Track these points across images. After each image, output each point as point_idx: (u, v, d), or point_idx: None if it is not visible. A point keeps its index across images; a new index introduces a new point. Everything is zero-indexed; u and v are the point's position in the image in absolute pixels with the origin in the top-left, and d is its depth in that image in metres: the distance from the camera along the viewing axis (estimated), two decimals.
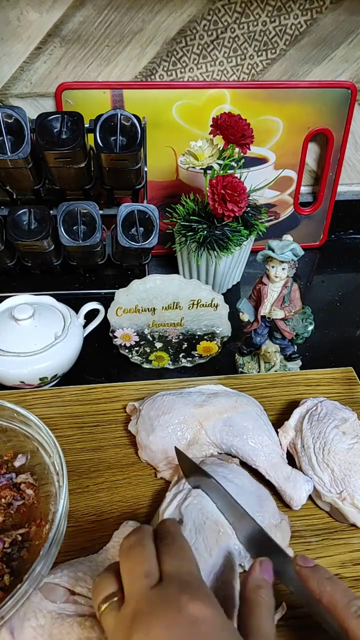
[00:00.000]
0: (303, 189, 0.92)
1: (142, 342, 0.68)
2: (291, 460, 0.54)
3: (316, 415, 0.54)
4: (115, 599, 0.33)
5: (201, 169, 0.71)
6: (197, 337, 0.68)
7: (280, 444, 0.54)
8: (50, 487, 0.47)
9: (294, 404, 0.60)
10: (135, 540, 0.35)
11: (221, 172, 0.71)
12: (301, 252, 0.57)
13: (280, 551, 0.41)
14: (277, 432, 0.55)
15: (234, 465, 0.51)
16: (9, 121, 0.64)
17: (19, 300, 0.68)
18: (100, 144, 0.65)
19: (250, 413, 0.54)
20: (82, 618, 0.37)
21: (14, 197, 0.75)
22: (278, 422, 0.57)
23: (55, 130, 0.65)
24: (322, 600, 0.37)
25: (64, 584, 0.40)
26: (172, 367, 0.71)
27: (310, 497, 0.51)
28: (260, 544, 0.43)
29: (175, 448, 0.49)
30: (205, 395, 0.56)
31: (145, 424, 0.54)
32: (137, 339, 0.67)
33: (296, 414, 0.56)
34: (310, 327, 0.64)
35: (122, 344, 0.68)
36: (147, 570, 0.32)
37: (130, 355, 0.70)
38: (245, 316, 0.64)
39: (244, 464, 0.54)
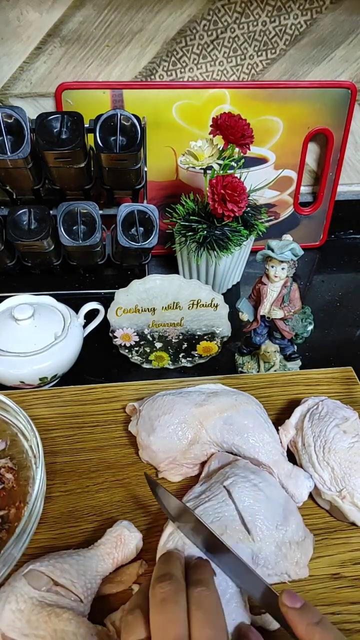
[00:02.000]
0: (303, 189, 0.92)
1: (142, 342, 0.68)
2: (292, 458, 0.54)
3: (317, 413, 0.54)
4: None
5: (201, 169, 0.71)
6: (197, 337, 0.68)
7: (281, 442, 0.55)
8: (29, 471, 0.48)
9: (293, 404, 0.60)
10: (169, 593, 0.34)
11: (221, 172, 0.71)
12: (301, 252, 0.57)
13: (266, 587, 0.39)
14: (277, 431, 0.55)
15: (265, 473, 0.50)
16: (9, 121, 0.64)
17: (19, 300, 0.68)
18: (100, 144, 0.65)
19: (250, 411, 0.54)
20: (61, 610, 0.38)
21: (14, 197, 0.75)
22: (277, 422, 0.57)
23: (55, 130, 0.66)
24: None
25: (49, 573, 0.40)
26: (172, 367, 0.71)
27: (310, 496, 0.52)
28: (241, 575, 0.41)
29: (151, 483, 0.45)
30: (205, 394, 0.57)
31: (145, 425, 0.54)
32: (137, 339, 0.67)
33: (297, 412, 0.56)
34: (310, 327, 0.64)
35: (122, 344, 0.68)
36: (179, 635, 0.33)
37: (130, 355, 0.70)
38: (245, 316, 0.64)
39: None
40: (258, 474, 0.49)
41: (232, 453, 0.54)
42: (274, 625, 0.41)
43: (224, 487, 0.47)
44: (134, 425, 0.56)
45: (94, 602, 0.42)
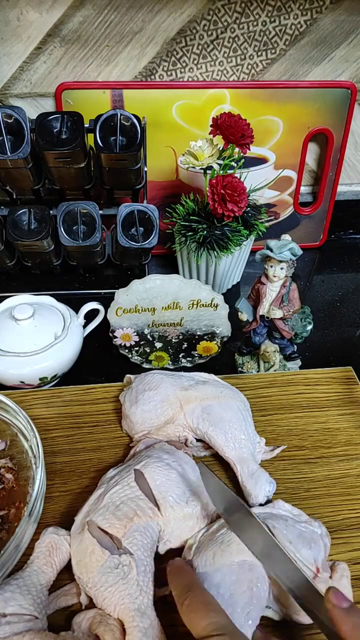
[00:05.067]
0: (303, 189, 0.93)
1: (142, 342, 0.68)
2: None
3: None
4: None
5: (201, 169, 0.71)
6: (197, 337, 0.68)
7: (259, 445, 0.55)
8: (29, 471, 0.49)
9: (293, 404, 0.60)
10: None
11: (221, 172, 0.71)
12: (299, 252, 0.57)
13: (312, 588, 0.39)
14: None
15: (180, 452, 0.52)
16: (9, 121, 0.64)
17: (19, 300, 0.68)
18: (100, 144, 0.66)
19: (231, 405, 0.55)
20: (19, 636, 0.37)
21: (14, 197, 0.75)
22: (276, 422, 0.57)
23: (55, 130, 0.66)
24: None
25: None
26: (172, 367, 0.71)
27: None
28: (292, 578, 0.40)
29: (202, 468, 0.46)
30: (194, 381, 0.58)
31: (131, 396, 0.57)
32: (137, 339, 0.67)
33: None
34: (309, 327, 0.64)
35: (122, 344, 0.68)
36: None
37: (130, 355, 0.70)
38: (244, 316, 0.64)
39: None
40: (172, 454, 0.51)
41: (203, 441, 0.55)
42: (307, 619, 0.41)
43: (135, 470, 0.48)
44: (123, 395, 0.58)
45: (54, 614, 0.42)
